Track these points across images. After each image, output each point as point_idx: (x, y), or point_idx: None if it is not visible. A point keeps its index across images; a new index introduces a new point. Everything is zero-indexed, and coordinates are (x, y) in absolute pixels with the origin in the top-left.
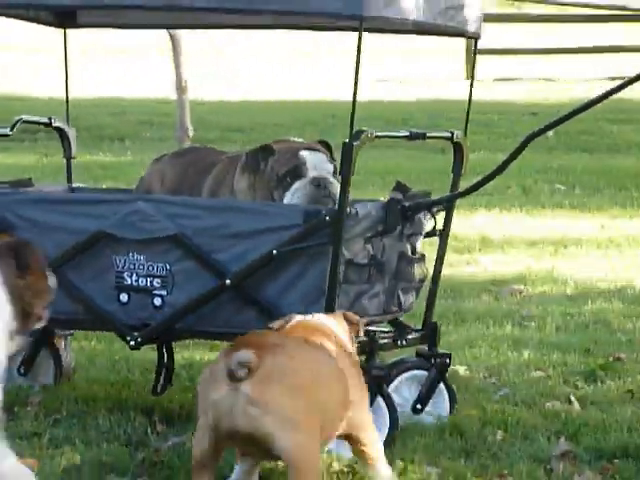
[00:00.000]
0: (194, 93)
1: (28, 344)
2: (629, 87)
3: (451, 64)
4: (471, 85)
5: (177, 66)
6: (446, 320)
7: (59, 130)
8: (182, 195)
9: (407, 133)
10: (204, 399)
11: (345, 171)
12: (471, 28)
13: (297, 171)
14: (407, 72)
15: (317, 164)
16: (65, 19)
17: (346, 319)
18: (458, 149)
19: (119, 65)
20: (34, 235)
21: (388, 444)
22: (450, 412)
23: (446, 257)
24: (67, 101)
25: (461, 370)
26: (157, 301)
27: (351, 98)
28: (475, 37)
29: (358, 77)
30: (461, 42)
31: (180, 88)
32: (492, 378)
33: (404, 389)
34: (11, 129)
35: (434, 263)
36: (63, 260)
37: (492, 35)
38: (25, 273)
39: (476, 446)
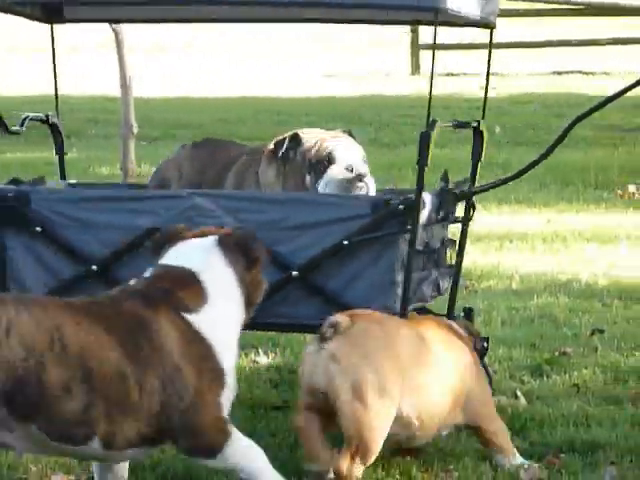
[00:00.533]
0: (139, 90)
1: None
2: (581, 82)
3: (394, 59)
4: (487, 78)
5: (121, 63)
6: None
7: (53, 126)
8: (202, 188)
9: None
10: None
11: (422, 159)
12: (493, 19)
13: (330, 158)
14: (353, 67)
15: (348, 151)
16: (52, 15)
17: (467, 329)
18: (478, 136)
19: (69, 62)
20: (82, 234)
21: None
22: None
23: None
24: (57, 97)
25: None
26: None
27: (294, 95)
28: (493, 28)
29: (433, 72)
30: (406, 36)
31: (124, 85)
32: None
33: None
34: (21, 126)
35: (457, 251)
36: (114, 258)
37: (444, 31)
38: (252, 267)
39: None
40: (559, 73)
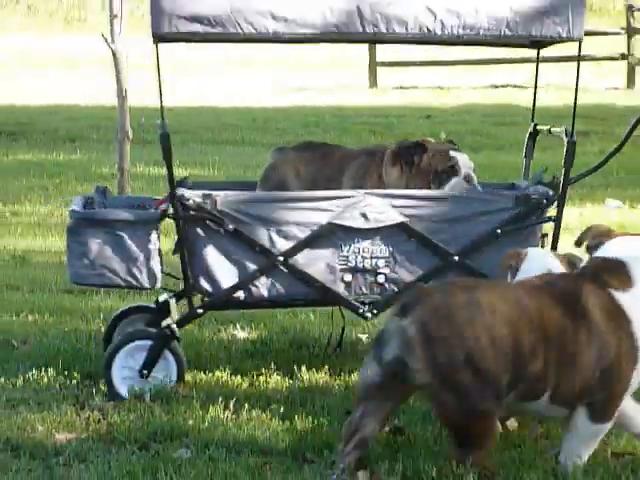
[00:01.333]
0: (135, 100)
1: None
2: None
3: (355, 75)
4: (535, 91)
5: (118, 76)
6: None
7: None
8: (319, 187)
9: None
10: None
11: (567, 165)
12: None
13: (454, 169)
14: (318, 82)
15: (465, 163)
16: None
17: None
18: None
19: (84, 75)
20: (264, 230)
21: None
22: None
23: None
24: (162, 108)
25: (363, 338)
26: (380, 278)
27: (268, 105)
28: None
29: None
30: (364, 55)
31: (121, 96)
32: None
33: None
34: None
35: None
36: (295, 251)
37: (393, 50)
38: None
39: None
40: (496, 87)
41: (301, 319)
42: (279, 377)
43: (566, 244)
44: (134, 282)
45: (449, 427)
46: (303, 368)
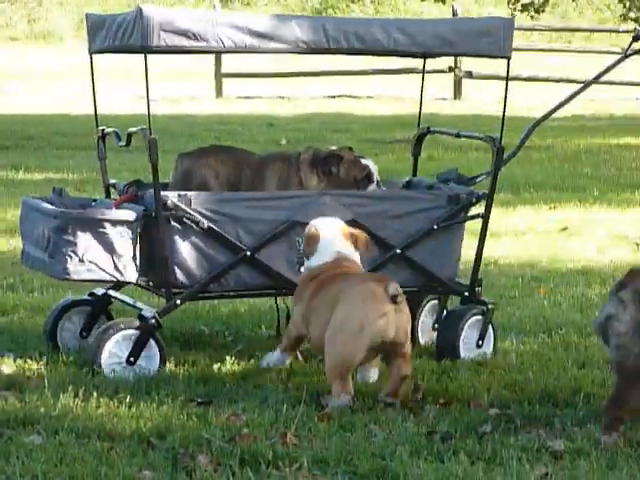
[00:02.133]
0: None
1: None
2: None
3: (201, 86)
4: (421, 99)
5: None
6: None
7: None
8: (239, 189)
9: None
10: (367, 313)
11: (496, 167)
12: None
13: (369, 177)
14: (166, 92)
15: (375, 169)
16: None
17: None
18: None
19: None
20: (232, 227)
21: None
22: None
23: None
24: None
25: (206, 329)
26: None
27: (119, 112)
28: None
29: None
30: (210, 66)
31: None
32: (231, 336)
33: None
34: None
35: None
36: (260, 246)
37: (237, 61)
38: None
39: (220, 395)
40: (333, 97)
41: None
42: None
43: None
44: (119, 276)
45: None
46: None
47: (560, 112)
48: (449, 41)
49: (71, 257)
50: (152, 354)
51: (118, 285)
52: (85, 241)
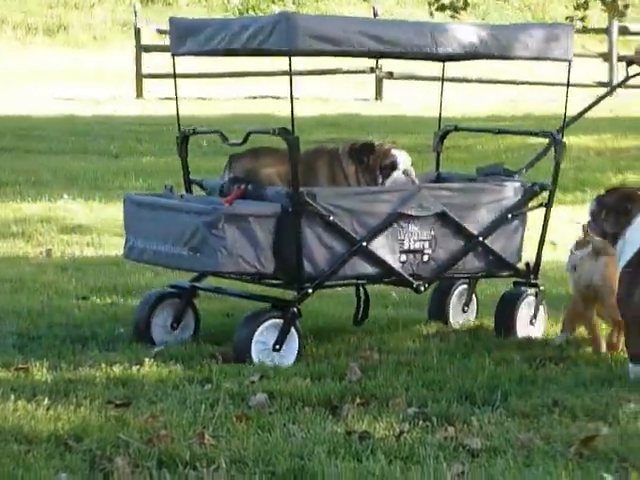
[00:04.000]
0: None
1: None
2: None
3: (121, 86)
4: (441, 98)
5: None
6: (115, 291)
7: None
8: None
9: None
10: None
11: (557, 161)
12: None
13: (394, 165)
14: (87, 93)
15: (404, 160)
16: None
17: None
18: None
19: None
20: (349, 220)
21: None
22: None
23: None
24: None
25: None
26: (425, 258)
27: (39, 114)
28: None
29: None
30: (131, 67)
31: None
32: None
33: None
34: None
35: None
36: (370, 236)
37: (157, 62)
38: None
39: (138, 397)
40: (254, 97)
41: (70, 315)
42: (45, 370)
43: None
44: (261, 269)
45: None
46: (68, 361)
47: (480, 112)
48: (526, 45)
49: (221, 251)
50: (293, 341)
51: (200, 277)
52: (233, 235)
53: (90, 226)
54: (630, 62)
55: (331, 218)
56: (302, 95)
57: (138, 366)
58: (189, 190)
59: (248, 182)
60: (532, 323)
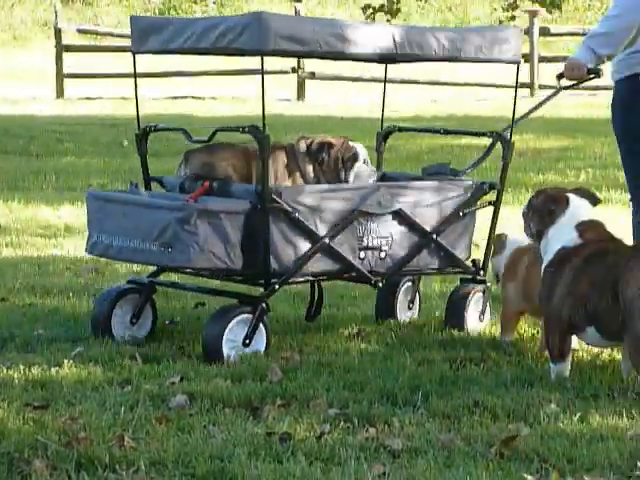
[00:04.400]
0: None
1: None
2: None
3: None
4: (383, 103)
5: None
6: (34, 292)
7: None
8: (250, 180)
9: None
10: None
11: (505, 160)
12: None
13: (355, 156)
14: (5, 92)
15: (362, 150)
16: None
17: None
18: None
19: None
20: (312, 217)
21: None
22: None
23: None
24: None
25: (44, 332)
26: (382, 254)
27: None
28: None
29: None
30: (51, 68)
31: None
32: (70, 339)
33: None
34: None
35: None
36: (332, 234)
37: (76, 62)
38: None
39: (57, 399)
40: (175, 97)
41: None
42: None
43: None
44: (231, 265)
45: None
46: None
47: (403, 113)
48: (480, 48)
49: (193, 247)
50: (261, 336)
51: (158, 272)
52: (205, 231)
53: (9, 227)
54: (560, 76)
55: (296, 215)
56: (219, 95)
57: (57, 368)
58: (148, 188)
59: (212, 179)
60: (480, 319)
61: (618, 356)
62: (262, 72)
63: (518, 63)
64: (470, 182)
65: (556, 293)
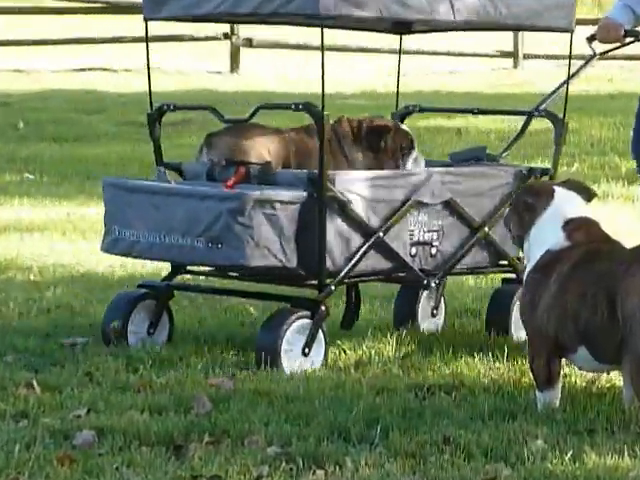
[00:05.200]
0: None
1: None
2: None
3: None
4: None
5: None
6: None
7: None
8: (289, 167)
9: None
10: None
11: (558, 144)
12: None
13: (412, 143)
14: None
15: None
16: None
17: None
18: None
19: None
20: (363, 207)
21: None
22: None
23: None
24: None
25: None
26: (433, 250)
27: None
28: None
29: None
30: None
31: None
32: None
33: None
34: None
35: None
36: (385, 227)
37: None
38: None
39: None
40: (82, 69)
41: None
42: None
43: None
44: (286, 262)
45: None
46: None
47: (357, 88)
48: (538, 13)
49: (248, 242)
50: (320, 345)
51: (173, 274)
52: (259, 224)
53: None
54: (592, 38)
55: (351, 206)
56: (135, 67)
57: None
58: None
59: (247, 163)
60: None
61: (618, 382)
62: (322, 44)
63: (571, 32)
64: (520, 168)
65: (540, 306)
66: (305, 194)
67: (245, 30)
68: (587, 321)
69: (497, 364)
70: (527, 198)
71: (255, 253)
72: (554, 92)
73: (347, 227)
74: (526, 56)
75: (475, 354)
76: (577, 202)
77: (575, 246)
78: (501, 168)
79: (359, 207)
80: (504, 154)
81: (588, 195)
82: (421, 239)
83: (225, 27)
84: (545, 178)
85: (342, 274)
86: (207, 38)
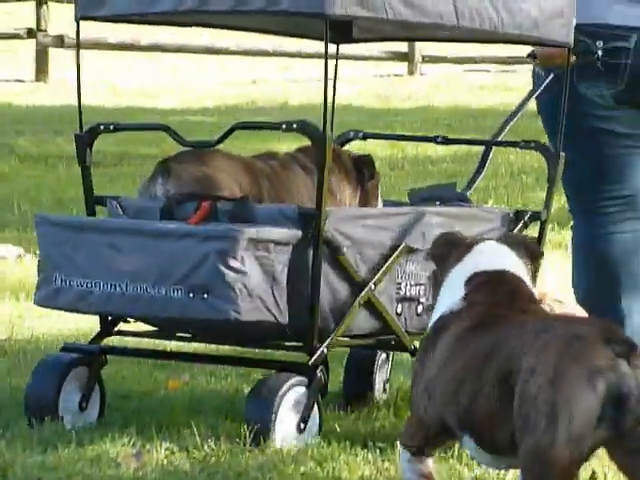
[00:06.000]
0: None
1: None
2: None
3: None
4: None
5: None
6: None
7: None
8: (265, 201)
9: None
10: None
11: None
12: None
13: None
14: None
15: None
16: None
17: None
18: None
19: None
20: (352, 252)
21: None
22: None
23: None
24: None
25: None
26: (419, 309)
27: None
28: None
29: None
30: None
31: None
32: None
33: None
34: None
35: None
36: (376, 278)
37: None
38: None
39: None
40: None
41: None
42: None
43: None
44: (279, 317)
45: None
46: None
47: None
48: (536, 22)
49: (241, 290)
50: (315, 418)
51: (101, 336)
52: (252, 269)
53: None
54: (533, 56)
55: (344, 250)
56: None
57: None
58: (92, 212)
59: (213, 197)
60: None
61: None
62: (325, 39)
63: (570, 47)
64: (507, 211)
65: (424, 376)
66: (300, 233)
67: (55, 27)
68: (471, 400)
69: None
70: (443, 249)
71: (248, 305)
72: (517, 112)
73: (335, 275)
74: (425, 59)
75: None
76: (502, 254)
77: (470, 306)
78: (487, 210)
79: (349, 252)
80: (467, 192)
81: (529, 252)
82: (407, 294)
83: (28, 21)
84: (536, 222)
85: (331, 336)
86: (4, 36)
